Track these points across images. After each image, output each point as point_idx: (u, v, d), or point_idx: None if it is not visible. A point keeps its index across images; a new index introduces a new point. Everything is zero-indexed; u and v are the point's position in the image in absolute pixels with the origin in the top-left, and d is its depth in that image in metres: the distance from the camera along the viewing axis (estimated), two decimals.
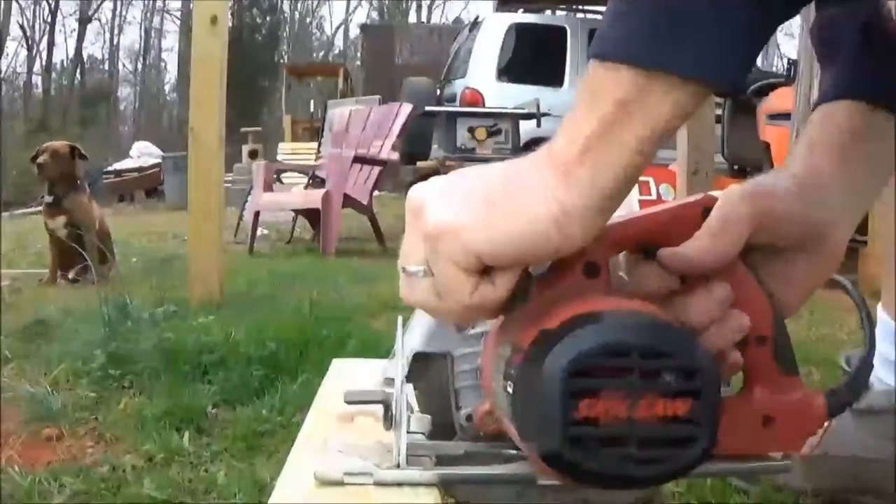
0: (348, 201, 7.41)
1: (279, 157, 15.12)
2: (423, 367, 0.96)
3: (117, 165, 20.43)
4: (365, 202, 7.70)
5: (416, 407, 0.98)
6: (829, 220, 0.93)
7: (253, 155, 16.47)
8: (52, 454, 2.13)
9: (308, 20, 44.62)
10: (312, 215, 7.84)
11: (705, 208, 0.85)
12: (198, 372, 2.66)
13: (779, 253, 0.91)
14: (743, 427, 0.85)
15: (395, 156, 8.21)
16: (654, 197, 6.20)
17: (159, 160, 18.61)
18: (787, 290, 0.93)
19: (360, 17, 42.16)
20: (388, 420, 0.93)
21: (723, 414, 0.78)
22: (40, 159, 5.71)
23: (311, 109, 22.53)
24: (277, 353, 2.76)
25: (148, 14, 42.56)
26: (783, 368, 0.88)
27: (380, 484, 0.89)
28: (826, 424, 1.71)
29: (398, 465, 0.89)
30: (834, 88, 1.04)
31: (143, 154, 20.55)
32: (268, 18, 40.41)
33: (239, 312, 3.57)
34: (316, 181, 8.55)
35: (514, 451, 0.88)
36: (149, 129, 36.73)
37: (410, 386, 0.99)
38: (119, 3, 41.07)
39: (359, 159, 7.66)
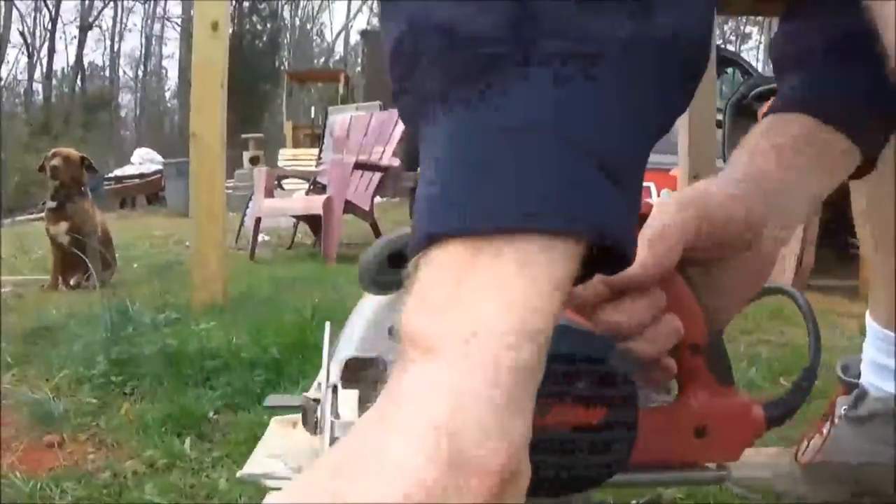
0: (349, 207, 7.41)
1: (280, 163, 15.17)
2: (357, 371, 0.94)
3: (119, 171, 20.47)
4: (366, 208, 7.71)
5: (351, 412, 0.97)
6: (763, 222, 0.92)
7: (254, 161, 16.51)
8: (53, 460, 2.12)
9: (309, 26, 44.65)
10: (314, 221, 7.85)
11: (640, 216, 0.81)
12: (200, 377, 2.66)
13: (713, 262, 0.90)
14: (675, 436, 0.84)
15: (397, 162, 8.21)
16: (654, 202, 6.21)
17: (161, 166, 18.64)
18: (722, 299, 0.92)
19: (361, 23, 42.18)
20: (309, 426, 0.93)
21: (654, 423, 0.78)
22: (53, 162, 5.72)
23: (312, 115, 22.59)
24: (279, 358, 2.75)
25: (148, 21, 42.64)
26: (718, 378, 0.87)
27: None
28: (826, 433, 1.72)
29: None
30: (787, 101, 1.04)
31: (145, 160, 20.59)
32: (268, 25, 40.52)
33: (241, 317, 3.57)
34: (317, 187, 8.55)
35: None
36: (150, 135, 36.78)
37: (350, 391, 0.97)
38: (120, 10, 41.17)
39: (360, 165, 7.67)
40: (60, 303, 4.57)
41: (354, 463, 0.57)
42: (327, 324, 0.95)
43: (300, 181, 9.64)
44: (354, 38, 41.78)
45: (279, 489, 0.90)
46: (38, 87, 39.64)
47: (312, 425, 0.93)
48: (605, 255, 0.62)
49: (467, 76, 0.60)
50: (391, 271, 0.84)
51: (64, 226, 5.61)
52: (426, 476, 0.54)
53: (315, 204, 7.33)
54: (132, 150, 23.11)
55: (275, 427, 1.07)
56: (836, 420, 1.71)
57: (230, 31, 4.85)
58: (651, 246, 0.82)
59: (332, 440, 0.87)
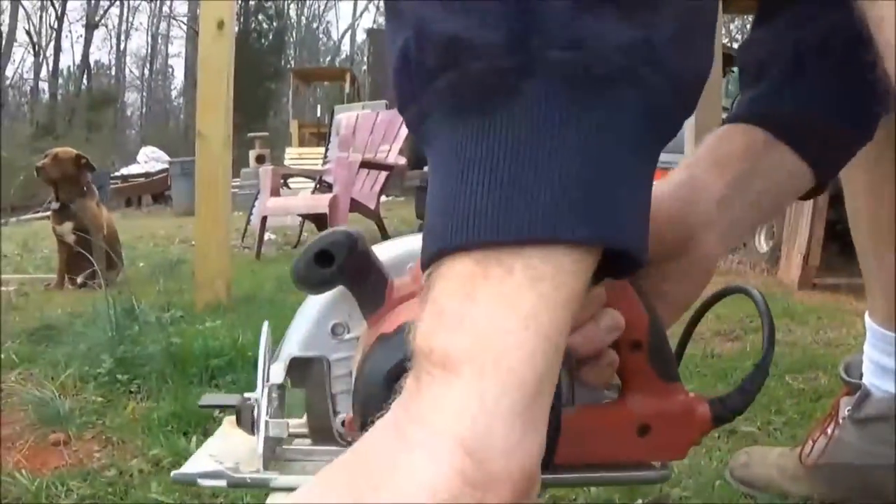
0: (355, 206, 7.41)
1: (286, 162, 15.18)
2: (301, 371, 0.94)
3: (125, 170, 20.53)
4: (372, 207, 7.71)
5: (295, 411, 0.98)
6: (703, 226, 0.91)
7: (260, 160, 16.52)
8: (59, 458, 2.12)
9: (315, 25, 44.69)
10: (320, 220, 7.85)
11: None
12: (205, 376, 2.66)
13: (653, 264, 0.88)
14: (618, 435, 0.84)
15: (403, 160, 8.22)
16: None
17: (166, 165, 18.67)
18: (662, 304, 0.90)
19: (367, 21, 42.22)
20: (245, 425, 0.93)
21: (596, 421, 0.79)
22: (40, 162, 5.75)
23: (318, 114, 22.58)
24: None
25: (154, 20, 42.69)
26: (661, 375, 0.86)
27: (234, 486, 0.91)
28: (830, 434, 1.71)
29: (258, 470, 0.89)
30: (744, 112, 1.02)
31: (151, 159, 20.64)
32: (274, 23, 40.56)
33: (246, 316, 3.57)
34: (323, 186, 8.55)
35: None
36: (156, 134, 36.79)
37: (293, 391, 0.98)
38: (126, 9, 41.21)
39: (366, 164, 7.67)
40: (66, 302, 4.57)
41: (374, 473, 0.58)
42: (265, 323, 0.95)
43: (306, 180, 9.64)
44: (361, 36, 41.86)
45: (218, 486, 0.90)
46: (44, 86, 39.73)
47: (248, 425, 0.92)
48: (616, 259, 0.62)
49: (473, 90, 0.60)
50: (318, 270, 0.84)
51: (69, 225, 5.61)
52: (446, 491, 0.55)
53: (321, 203, 7.34)
54: (138, 149, 23.16)
55: (224, 427, 1.06)
56: (840, 421, 1.71)
57: (236, 29, 4.84)
58: None
59: (266, 440, 0.89)
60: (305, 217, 8.36)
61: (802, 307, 3.88)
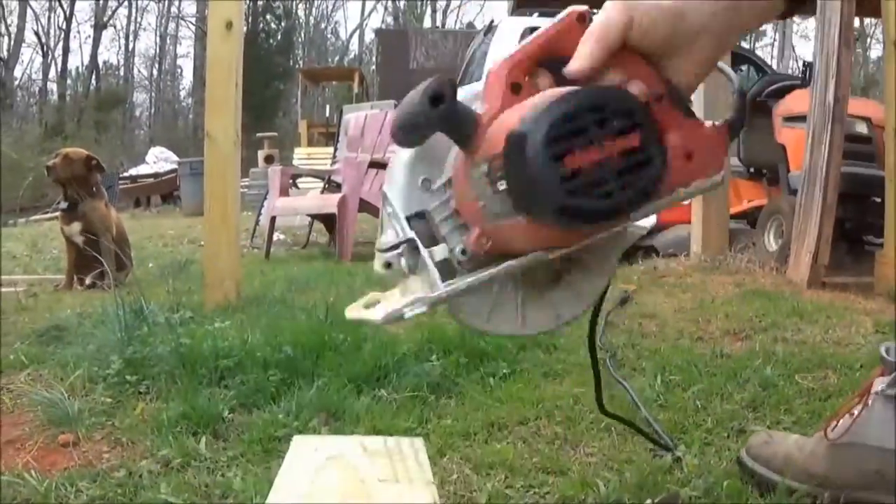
0: (364, 206, 7.41)
1: (295, 162, 15.18)
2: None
3: (133, 171, 20.55)
4: (381, 207, 7.70)
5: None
6: (697, 28, 1.03)
7: (269, 160, 16.52)
8: (68, 459, 2.13)
9: (323, 25, 44.75)
10: (328, 220, 7.85)
11: (579, 15, 1.03)
12: (214, 376, 2.66)
13: (653, 61, 1.04)
14: (674, 166, 1.00)
15: None
16: None
17: (175, 165, 18.68)
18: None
19: (375, 21, 42.27)
20: (408, 263, 1.06)
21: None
22: (49, 162, 5.76)
23: (327, 114, 22.59)
24: (294, 357, 2.75)
25: (163, 20, 42.76)
26: (684, 113, 1.04)
27: (434, 304, 1.02)
28: (857, 413, 1.71)
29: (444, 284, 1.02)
30: None
31: (160, 159, 20.64)
32: (282, 23, 40.57)
33: (255, 317, 3.57)
34: (332, 186, 8.56)
35: (512, 261, 1.03)
36: (164, 134, 36.85)
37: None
38: (134, 10, 41.28)
39: (375, 164, 7.66)
40: (75, 302, 4.58)
41: None
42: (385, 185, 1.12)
43: (315, 180, 9.65)
44: (369, 36, 41.87)
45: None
46: (52, 86, 39.81)
47: (410, 262, 1.06)
48: None
49: None
50: (432, 109, 0.97)
51: (77, 226, 5.62)
52: None
53: (330, 203, 7.34)
54: (146, 150, 23.18)
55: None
56: (870, 401, 1.70)
57: (244, 29, 4.84)
58: (597, 41, 1.00)
59: (434, 265, 1.04)
60: (314, 217, 8.36)
61: (812, 306, 3.87)
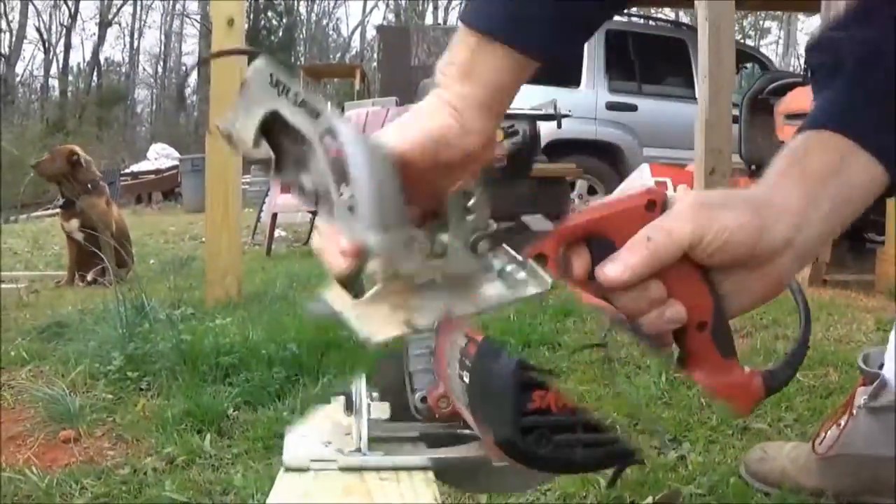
0: None
1: None
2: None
3: (135, 167, 20.53)
4: None
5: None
6: (779, 247, 0.91)
7: None
8: (69, 456, 2.13)
9: (324, 22, 44.69)
10: None
11: (649, 201, 0.88)
12: (217, 373, 2.65)
13: (724, 269, 0.91)
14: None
15: None
16: None
17: (177, 162, 18.67)
18: (728, 300, 0.94)
19: (377, 18, 42.22)
20: (349, 408, 1.01)
21: None
22: (33, 161, 5.78)
23: None
24: (298, 354, 2.75)
25: (168, 17, 42.73)
26: (722, 352, 0.93)
27: (344, 469, 0.94)
28: (843, 424, 1.71)
29: (359, 450, 0.94)
30: (825, 115, 0.99)
31: (161, 156, 20.62)
32: (284, 20, 40.53)
33: (256, 314, 3.56)
34: None
35: (468, 433, 0.95)
36: (166, 131, 36.84)
37: None
38: (139, 7, 41.26)
39: None
40: (76, 298, 4.58)
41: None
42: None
43: None
44: (371, 33, 41.83)
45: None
46: (54, 83, 39.80)
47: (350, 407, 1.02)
48: None
49: None
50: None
51: (76, 222, 5.63)
52: None
53: None
54: (148, 146, 23.17)
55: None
56: (855, 411, 1.70)
57: (246, 26, 4.84)
58: (652, 252, 0.86)
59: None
60: (315, 213, 8.36)
61: (813, 304, 3.86)
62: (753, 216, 0.89)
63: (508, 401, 0.79)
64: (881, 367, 1.71)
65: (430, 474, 0.94)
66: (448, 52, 0.96)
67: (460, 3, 44.37)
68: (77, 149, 5.89)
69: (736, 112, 6.36)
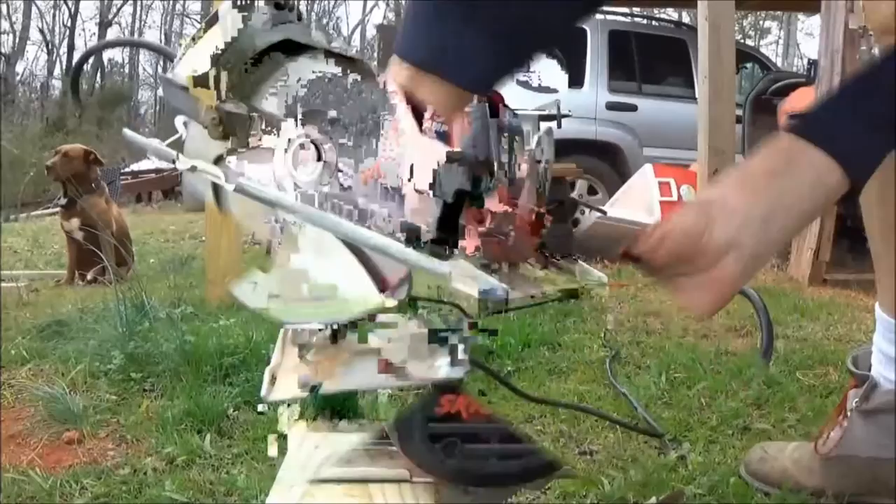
0: None
1: None
2: None
3: (135, 166, 20.50)
4: None
5: None
6: (721, 245, 0.93)
7: None
8: (72, 457, 2.13)
9: (325, 20, 44.69)
10: None
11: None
12: (219, 374, 2.65)
13: (669, 278, 0.95)
14: None
15: None
16: (674, 198, 6.18)
17: None
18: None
19: (377, 17, 42.20)
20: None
21: None
22: (48, 161, 5.77)
23: None
24: None
25: (168, 17, 42.70)
26: None
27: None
28: (843, 426, 1.71)
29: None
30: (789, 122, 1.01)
31: None
32: None
33: (258, 313, 3.55)
34: None
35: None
36: (168, 131, 36.83)
37: None
38: (139, 7, 41.23)
39: None
40: (76, 297, 4.57)
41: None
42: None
43: None
44: (371, 32, 41.80)
45: None
46: (56, 83, 39.82)
47: None
48: None
49: None
50: None
51: (76, 221, 5.63)
52: None
53: None
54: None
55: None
56: (849, 414, 1.71)
57: None
58: (656, 244, 0.92)
59: None
60: None
61: (813, 303, 3.87)
62: (698, 216, 0.92)
63: (416, 405, 0.79)
64: (870, 368, 1.72)
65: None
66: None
67: None
68: (90, 149, 5.90)
69: (739, 112, 6.37)
